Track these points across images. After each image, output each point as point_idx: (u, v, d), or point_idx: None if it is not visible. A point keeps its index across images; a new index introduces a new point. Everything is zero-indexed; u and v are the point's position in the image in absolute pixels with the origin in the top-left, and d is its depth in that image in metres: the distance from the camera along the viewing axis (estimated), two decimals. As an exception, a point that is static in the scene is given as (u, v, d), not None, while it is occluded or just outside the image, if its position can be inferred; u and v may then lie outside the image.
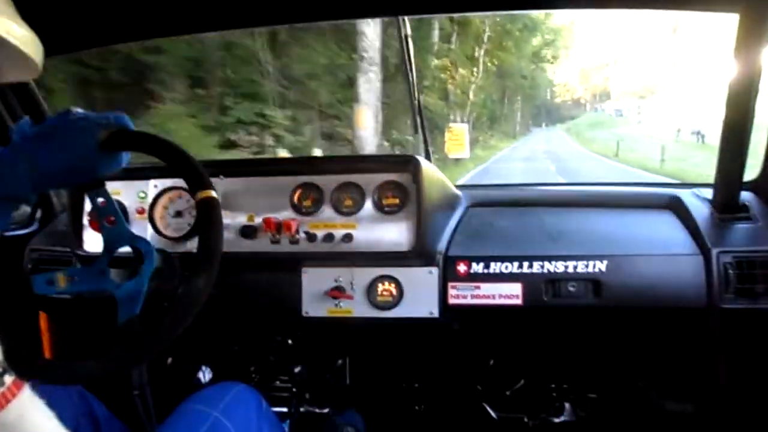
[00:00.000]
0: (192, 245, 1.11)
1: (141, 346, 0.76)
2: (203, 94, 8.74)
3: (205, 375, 1.40)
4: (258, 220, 1.11)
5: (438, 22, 14.08)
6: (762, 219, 1.13)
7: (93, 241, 1.14)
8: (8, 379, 0.52)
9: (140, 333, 0.80)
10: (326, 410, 1.39)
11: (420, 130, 1.48)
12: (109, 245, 0.86)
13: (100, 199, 0.86)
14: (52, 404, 0.58)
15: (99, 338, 0.88)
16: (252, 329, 1.38)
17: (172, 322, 0.77)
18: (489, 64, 20.86)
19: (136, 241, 0.86)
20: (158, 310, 0.86)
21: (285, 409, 1.33)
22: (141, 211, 1.14)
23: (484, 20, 17.66)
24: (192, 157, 0.88)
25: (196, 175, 0.87)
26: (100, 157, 0.76)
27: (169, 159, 0.78)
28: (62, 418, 0.60)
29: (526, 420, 1.39)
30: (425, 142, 1.49)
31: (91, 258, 0.94)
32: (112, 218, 0.87)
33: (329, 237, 1.08)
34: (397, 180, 1.09)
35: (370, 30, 8.10)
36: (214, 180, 0.91)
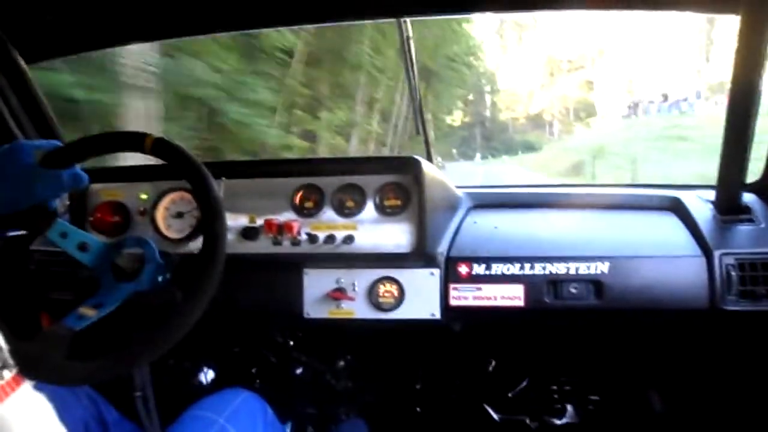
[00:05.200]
0: (194, 246, 1.11)
1: (146, 347, 0.76)
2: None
3: (206, 376, 1.40)
4: (259, 221, 1.11)
5: None
6: (764, 221, 1.13)
7: None
8: (7, 374, 0.52)
9: (137, 336, 0.80)
10: (327, 412, 1.38)
11: (421, 130, 1.48)
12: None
13: (60, 233, 0.88)
14: (60, 408, 0.58)
15: (100, 338, 0.88)
16: (253, 330, 1.38)
17: (176, 325, 0.77)
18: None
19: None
20: (161, 313, 0.86)
21: (286, 411, 1.33)
22: (142, 212, 1.14)
23: None
24: (195, 157, 0.89)
25: (198, 177, 0.87)
26: (37, 178, 0.80)
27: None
28: (71, 422, 0.60)
29: (527, 422, 1.39)
30: (426, 142, 1.49)
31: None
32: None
33: (330, 238, 1.08)
34: (399, 181, 1.09)
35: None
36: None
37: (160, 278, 0.89)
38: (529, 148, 20.34)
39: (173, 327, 0.76)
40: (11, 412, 0.52)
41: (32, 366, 0.66)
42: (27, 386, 0.54)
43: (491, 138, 22.63)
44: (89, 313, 0.80)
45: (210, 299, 0.80)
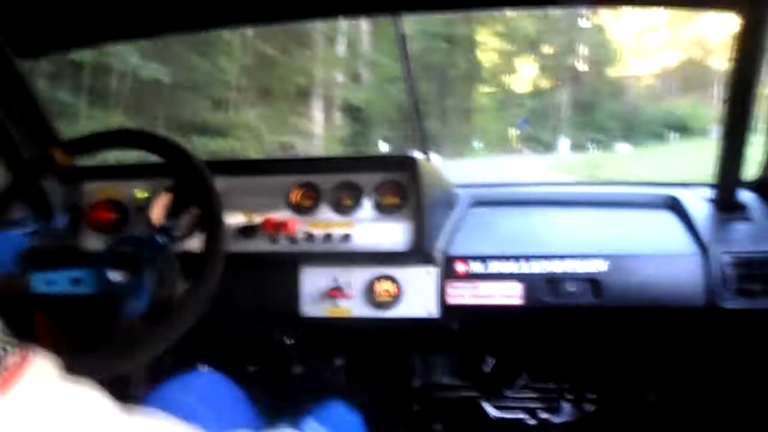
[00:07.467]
0: (192, 245, 1.10)
1: (145, 345, 0.76)
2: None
3: (203, 375, 1.40)
4: (256, 219, 1.11)
5: None
6: (762, 218, 1.13)
7: (92, 240, 1.14)
8: (10, 359, 0.45)
9: (144, 332, 0.80)
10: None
11: (418, 129, 1.48)
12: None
13: (45, 282, 0.88)
14: None
15: (98, 337, 0.88)
16: (250, 329, 1.37)
17: (176, 322, 0.77)
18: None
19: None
20: (160, 310, 0.86)
21: (283, 409, 1.33)
22: (140, 210, 1.14)
23: None
24: (195, 156, 0.89)
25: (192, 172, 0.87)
26: None
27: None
28: None
29: (525, 420, 1.39)
30: (423, 138, 1.49)
31: (92, 256, 0.94)
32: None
33: (328, 237, 1.08)
34: (396, 179, 1.08)
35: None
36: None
37: (164, 251, 0.90)
38: (681, 128, 9.64)
39: (176, 321, 0.76)
40: (18, 401, 0.44)
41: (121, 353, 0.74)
42: (39, 366, 0.47)
43: (589, 109, 10.46)
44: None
45: (215, 286, 0.80)
